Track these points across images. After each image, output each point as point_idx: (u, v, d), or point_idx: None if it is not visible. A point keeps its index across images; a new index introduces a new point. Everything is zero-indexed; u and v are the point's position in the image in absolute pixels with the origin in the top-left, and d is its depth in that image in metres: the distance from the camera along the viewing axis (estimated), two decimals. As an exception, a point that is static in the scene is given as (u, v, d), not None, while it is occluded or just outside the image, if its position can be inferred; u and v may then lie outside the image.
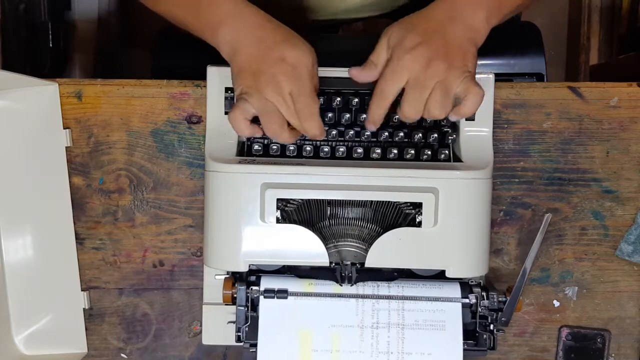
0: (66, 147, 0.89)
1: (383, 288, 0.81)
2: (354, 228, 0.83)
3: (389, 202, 0.81)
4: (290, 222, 0.81)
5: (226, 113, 0.84)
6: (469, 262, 0.81)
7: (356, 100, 0.84)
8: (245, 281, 0.81)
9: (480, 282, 0.82)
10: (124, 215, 0.90)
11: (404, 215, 0.82)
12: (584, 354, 0.90)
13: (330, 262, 0.80)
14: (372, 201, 0.81)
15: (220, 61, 0.81)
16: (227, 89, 0.84)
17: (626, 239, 0.89)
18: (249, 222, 0.79)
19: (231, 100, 0.84)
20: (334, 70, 0.85)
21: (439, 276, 0.82)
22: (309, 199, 0.81)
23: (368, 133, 0.85)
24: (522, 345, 0.90)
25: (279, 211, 0.80)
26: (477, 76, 0.83)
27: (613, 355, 0.90)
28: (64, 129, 0.89)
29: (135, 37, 1.72)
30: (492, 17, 0.76)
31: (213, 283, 0.87)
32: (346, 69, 0.84)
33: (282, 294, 0.80)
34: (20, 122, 0.88)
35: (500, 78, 0.87)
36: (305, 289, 0.80)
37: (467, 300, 0.80)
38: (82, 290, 0.90)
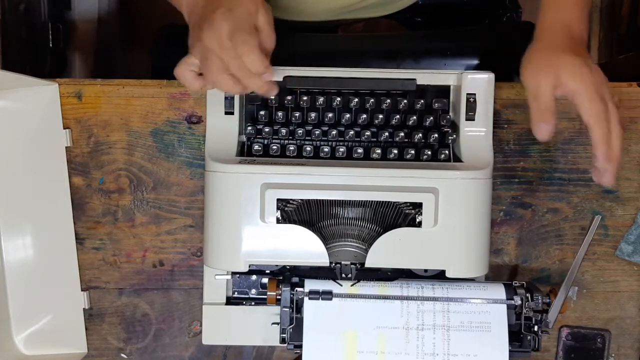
0: (66, 147, 0.89)
1: (427, 290, 0.80)
2: (353, 228, 0.83)
3: (388, 202, 0.81)
4: (290, 222, 0.81)
5: (226, 113, 0.84)
6: (469, 262, 0.81)
7: (356, 100, 0.84)
8: (289, 283, 0.81)
9: (524, 284, 0.82)
10: (124, 215, 0.90)
11: (404, 215, 0.82)
12: (584, 354, 0.90)
13: (330, 262, 0.80)
14: (372, 201, 0.81)
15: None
16: (227, 89, 0.83)
17: (626, 239, 0.89)
18: (249, 222, 0.79)
19: (231, 100, 0.84)
20: (334, 70, 0.85)
21: (439, 276, 0.82)
22: (308, 199, 0.81)
23: (368, 133, 0.85)
24: (522, 345, 0.90)
25: (279, 211, 0.80)
26: (477, 75, 0.84)
27: (613, 355, 0.90)
28: (64, 129, 0.89)
29: (135, 37, 1.72)
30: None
31: (213, 283, 0.87)
32: (346, 69, 0.85)
33: (327, 295, 0.80)
34: (20, 122, 0.88)
35: (500, 78, 0.87)
36: (349, 290, 0.80)
37: (512, 302, 0.80)
38: (82, 290, 0.90)
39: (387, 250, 0.79)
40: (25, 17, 1.27)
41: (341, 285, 0.80)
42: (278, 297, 0.80)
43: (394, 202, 0.81)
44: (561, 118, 0.89)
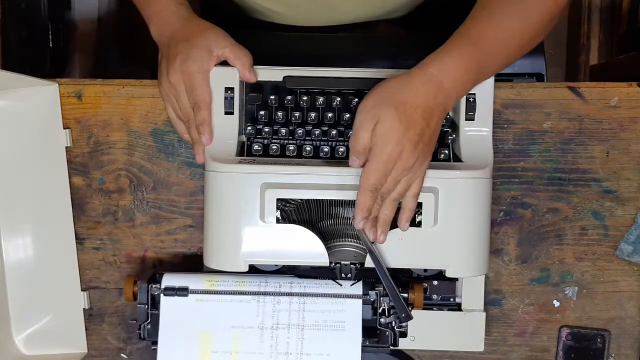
0: (66, 147, 0.89)
1: (285, 286, 0.80)
2: (353, 228, 0.83)
3: (388, 202, 0.81)
4: (290, 222, 0.81)
5: (226, 113, 0.84)
6: (468, 262, 0.81)
7: (356, 100, 0.84)
8: (148, 279, 0.81)
9: None
10: (124, 215, 0.90)
11: (403, 215, 0.82)
12: (584, 354, 0.90)
13: (330, 262, 0.80)
14: (372, 201, 0.81)
15: (220, 62, 0.82)
16: (227, 89, 0.83)
17: (626, 239, 0.89)
18: (249, 222, 0.79)
19: (231, 100, 0.84)
20: (333, 70, 0.85)
21: (438, 276, 0.82)
22: (308, 199, 0.81)
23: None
24: (522, 345, 0.90)
25: (278, 211, 0.80)
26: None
27: (613, 355, 0.90)
28: (64, 129, 0.89)
29: (135, 37, 1.72)
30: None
31: (213, 283, 0.87)
32: (346, 69, 0.85)
33: (183, 291, 0.80)
34: (20, 122, 0.88)
35: (500, 78, 0.87)
36: (205, 286, 0.80)
37: (367, 297, 0.80)
38: (82, 290, 0.90)
39: (387, 250, 0.79)
40: (25, 17, 1.27)
41: (340, 285, 0.80)
42: (135, 292, 0.81)
43: (394, 202, 0.81)
44: (561, 118, 0.89)
